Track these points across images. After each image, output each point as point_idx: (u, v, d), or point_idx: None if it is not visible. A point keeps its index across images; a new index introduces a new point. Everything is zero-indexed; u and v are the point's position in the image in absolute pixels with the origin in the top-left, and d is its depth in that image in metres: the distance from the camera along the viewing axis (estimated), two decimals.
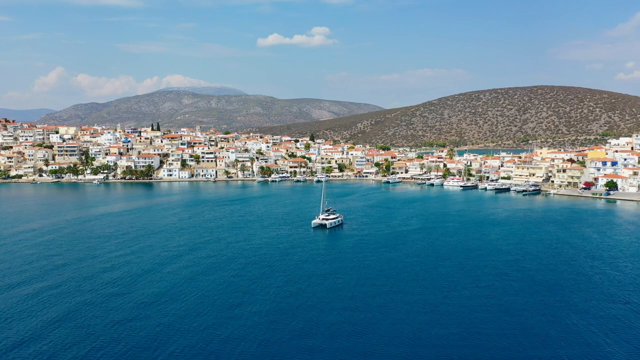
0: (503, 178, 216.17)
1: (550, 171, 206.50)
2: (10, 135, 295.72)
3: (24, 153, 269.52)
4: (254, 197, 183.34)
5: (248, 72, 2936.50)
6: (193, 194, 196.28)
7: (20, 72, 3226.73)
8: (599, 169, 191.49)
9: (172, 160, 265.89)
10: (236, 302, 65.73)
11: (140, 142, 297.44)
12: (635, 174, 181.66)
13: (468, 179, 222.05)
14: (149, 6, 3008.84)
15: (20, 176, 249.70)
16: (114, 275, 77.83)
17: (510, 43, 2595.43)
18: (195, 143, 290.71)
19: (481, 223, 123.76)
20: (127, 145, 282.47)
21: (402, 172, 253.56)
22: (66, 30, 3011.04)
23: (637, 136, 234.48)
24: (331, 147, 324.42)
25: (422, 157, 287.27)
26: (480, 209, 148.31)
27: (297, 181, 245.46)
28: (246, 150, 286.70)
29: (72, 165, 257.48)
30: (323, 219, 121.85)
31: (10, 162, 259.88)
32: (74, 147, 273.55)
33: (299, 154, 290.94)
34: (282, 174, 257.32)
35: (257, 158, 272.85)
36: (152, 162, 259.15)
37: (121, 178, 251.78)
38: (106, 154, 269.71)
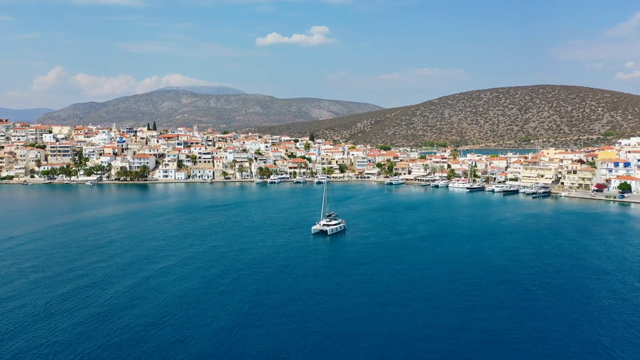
0: (510, 179, 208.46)
1: (560, 172, 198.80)
2: (2, 135, 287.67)
3: (15, 153, 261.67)
4: (252, 200, 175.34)
5: (247, 71, 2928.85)
6: (188, 196, 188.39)
7: (19, 72, 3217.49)
8: (610, 170, 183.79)
9: (168, 161, 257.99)
10: (227, 326, 57.88)
11: (136, 142, 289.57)
12: None
13: (474, 181, 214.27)
14: (148, 5, 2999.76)
15: (11, 177, 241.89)
16: (90, 293, 69.93)
17: (510, 43, 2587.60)
18: (192, 143, 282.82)
19: (493, 230, 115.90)
20: (122, 146, 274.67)
21: (404, 173, 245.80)
22: (65, 30, 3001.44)
23: None
24: (331, 147, 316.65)
25: (424, 158, 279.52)
26: (490, 213, 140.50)
27: (297, 182, 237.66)
28: (244, 151, 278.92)
29: (64, 166, 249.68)
30: (324, 224, 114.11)
31: (1, 162, 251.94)
32: (67, 147, 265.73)
33: (298, 154, 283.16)
34: (282, 175, 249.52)
35: (255, 158, 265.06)
36: (147, 162, 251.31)
37: (115, 179, 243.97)
38: (100, 155, 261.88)
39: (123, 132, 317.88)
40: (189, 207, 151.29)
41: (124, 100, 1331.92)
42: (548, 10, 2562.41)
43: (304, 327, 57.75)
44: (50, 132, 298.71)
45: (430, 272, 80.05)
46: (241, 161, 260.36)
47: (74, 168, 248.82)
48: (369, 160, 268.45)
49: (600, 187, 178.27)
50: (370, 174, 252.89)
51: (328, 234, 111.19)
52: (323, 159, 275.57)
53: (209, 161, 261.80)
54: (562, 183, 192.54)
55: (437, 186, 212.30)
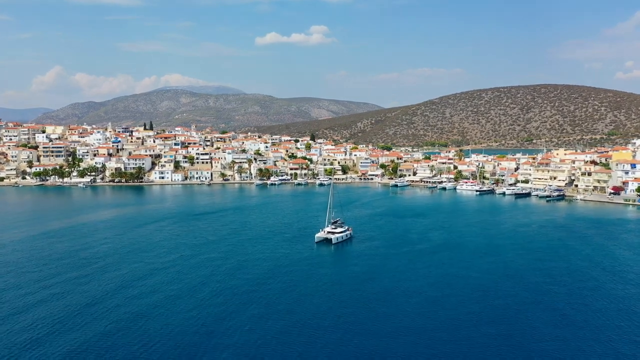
0: (520, 181, 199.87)
1: (574, 174, 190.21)
2: None
3: (6, 154, 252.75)
4: (250, 205, 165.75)
5: (246, 71, 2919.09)
6: (184, 200, 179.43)
7: (17, 71, 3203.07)
8: (627, 172, 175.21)
9: (165, 162, 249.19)
10: None
11: (132, 142, 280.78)
12: None
13: (483, 183, 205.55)
14: (147, 5, 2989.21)
15: (2, 179, 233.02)
16: (61, 315, 61.21)
17: (509, 42, 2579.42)
18: (189, 143, 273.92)
19: (512, 238, 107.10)
20: (117, 146, 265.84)
21: (409, 175, 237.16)
22: (64, 29, 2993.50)
23: None
24: (333, 147, 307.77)
25: (429, 158, 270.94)
26: (505, 219, 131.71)
27: (298, 184, 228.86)
28: (244, 151, 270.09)
29: (57, 167, 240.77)
30: (329, 232, 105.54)
31: None
32: (60, 147, 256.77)
33: (299, 154, 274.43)
34: (282, 176, 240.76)
35: (255, 159, 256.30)
36: (142, 163, 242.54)
37: (110, 181, 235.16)
38: (94, 155, 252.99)
39: (119, 131, 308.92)
40: (183, 213, 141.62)
41: (122, 100, 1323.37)
42: (547, 9, 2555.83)
43: None
44: (44, 132, 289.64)
45: (449, 290, 71.34)
46: (240, 162, 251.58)
47: (67, 169, 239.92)
48: (372, 161, 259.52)
49: (617, 190, 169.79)
50: (373, 175, 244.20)
51: (333, 242, 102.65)
52: (324, 159, 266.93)
53: (206, 162, 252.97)
54: (576, 185, 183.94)
55: (444, 188, 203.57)
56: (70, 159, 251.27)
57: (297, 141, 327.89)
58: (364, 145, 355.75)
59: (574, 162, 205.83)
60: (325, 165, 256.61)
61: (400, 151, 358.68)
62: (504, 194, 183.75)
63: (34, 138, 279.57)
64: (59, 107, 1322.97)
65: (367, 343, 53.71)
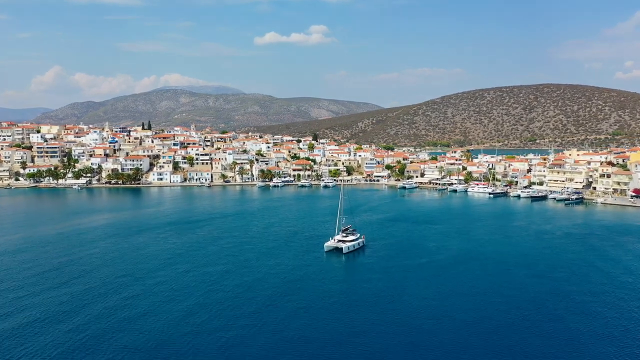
0: (534, 183, 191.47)
1: (591, 176, 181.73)
2: None
3: None
4: (253, 209, 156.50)
5: (246, 71, 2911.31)
6: (183, 203, 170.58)
7: (17, 71, 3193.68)
8: None
9: (163, 163, 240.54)
10: None
11: (129, 142, 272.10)
12: None
13: (494, 185, 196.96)
14: (147, 5, 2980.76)
15: None
16: (30, 331, 52.81)
17: (509, 42, 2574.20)
18: (189, 143, 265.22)
19: (542, 248, 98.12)
20: (114, 146, 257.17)
21: (417, 176, 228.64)
22: (64, 29, 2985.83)
23: None
24: (337, 147, 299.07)
25: (436, 159, 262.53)
26: (526, 225, 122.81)
27: (302, 186, 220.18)
28: (245, 152, 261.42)
29: (52, 168, 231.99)
30: (339, 240, 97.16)
31: None
32: (55, 147, 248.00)
33: (302, 155, 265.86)
34: (285, 177, 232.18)
35: (256, 160, 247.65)
36: (140, 164, 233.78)
37: (106, 182, 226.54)
38: (90, 156, 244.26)
39: (116, 131, 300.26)
40: (181, 220, 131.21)
41: (122, 100, 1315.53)
42: (548, 10, 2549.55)
43: None
44: (39, 131, 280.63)
45: (484, 312, 62.74)
46: (242, 163, 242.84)
47: (61, 170, 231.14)
48: (378, 162, 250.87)
49: (638, 193, 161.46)
50: (379, 176, 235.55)
51: (344, 252, 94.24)
52: (328, 160, 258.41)
53: (207, 163, 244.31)
54: (594, 188, 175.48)
55: (455, 191, 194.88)
56: (65, 159, 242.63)
57: (299, 141, 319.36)
58: (368, 146, 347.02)
59: (589, 163, 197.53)
60: (329, 166, 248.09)
61: (403, 151, 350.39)
62: (518, 196, 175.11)
63: (29, 138, 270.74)
64: (58, 107, 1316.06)
65: None
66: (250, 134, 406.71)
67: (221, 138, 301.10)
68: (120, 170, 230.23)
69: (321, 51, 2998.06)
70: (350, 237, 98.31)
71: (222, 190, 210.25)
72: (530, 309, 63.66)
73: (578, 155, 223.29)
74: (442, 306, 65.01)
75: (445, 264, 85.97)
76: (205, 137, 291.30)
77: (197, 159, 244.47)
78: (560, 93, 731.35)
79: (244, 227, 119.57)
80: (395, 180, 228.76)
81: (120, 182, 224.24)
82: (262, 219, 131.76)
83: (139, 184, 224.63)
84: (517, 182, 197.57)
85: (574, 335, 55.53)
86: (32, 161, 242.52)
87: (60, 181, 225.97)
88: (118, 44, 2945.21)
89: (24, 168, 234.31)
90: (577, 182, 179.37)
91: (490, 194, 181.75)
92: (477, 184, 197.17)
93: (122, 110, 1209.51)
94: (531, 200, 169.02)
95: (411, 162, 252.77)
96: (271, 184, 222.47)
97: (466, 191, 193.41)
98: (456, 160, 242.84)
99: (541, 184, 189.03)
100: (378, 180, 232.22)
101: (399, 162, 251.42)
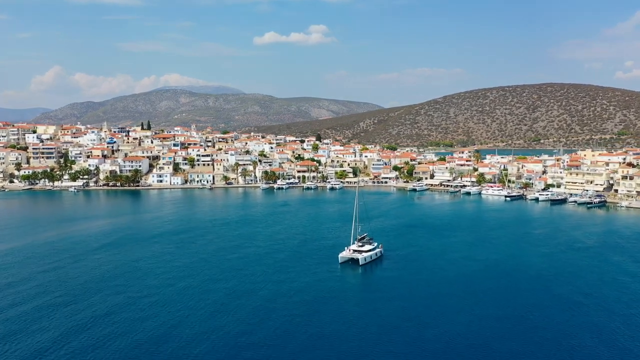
0: (550, 185, 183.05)
1: (611, 178, 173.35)
2: None
3: None
4: (258, 216, 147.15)
5: (246, 71, 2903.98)
6: (184, 207, 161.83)
7: (16, 71, 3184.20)
8: None
9: (163, 164, 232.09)
10: None
11: (128, 142, 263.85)
12: None
13: (509, 187, 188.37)
14: (147, 5, 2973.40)
15: None
16: None
17: (509, 43, 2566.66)
18: (189, 144, 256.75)
19: (578, 259, 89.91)
20: (112, 147, 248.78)
21: (426, 178, 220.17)
22: (63, 29, 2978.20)
23: None
24: (342, 148, 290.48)
25: (444, 160, 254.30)
26: (553, 232, 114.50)
27: (308, 188, 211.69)
28: (247, 152, 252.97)
29: (48, 169, 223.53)
30: (355, 251, 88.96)
31: None
32: (52, 148, 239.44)
33: (306, 156, 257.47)
34: (289, 179, 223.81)
35: (259, 161, 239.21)
36: (139, 166, 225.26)
37: (104, 184, 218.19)
38: (88, 157, 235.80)
39: (114, 131, 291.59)
40: (181, 227, 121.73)
41: (121, 100, 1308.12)
42: (548, 10, 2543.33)
43: None
44: (34, 132, 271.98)
45: (533, 341, 54.42)
46: (244, 164, 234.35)
47: (57, 172, 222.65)
48: (385, 163, 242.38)
49: None
50: (387, 178, 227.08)
51: (360, 263, 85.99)
52: (333, 161, 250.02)
53: (208, 164, 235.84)
54: (616, 190, 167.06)
55: (468, 193, 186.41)
56: (62, 160, 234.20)
57: (302, 141, 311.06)
58: (373, 146, 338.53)
59: (607, 164, 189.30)
60: (334, 167, 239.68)
61: (409, 151, 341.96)
62: (537, 199, 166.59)
63: (24, 138, 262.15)
64: (58, 107, 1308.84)
65: None
66: (252, 134, 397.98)
67: (223, 138, 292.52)
68: (118, 172, 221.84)
69: (321, 51, 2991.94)
70: (367, 247, 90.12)
71: (224, 192, 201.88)
72: (592, 336, 55.31)
73: (593, 155, 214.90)
74: (480, 334, 56.56)
75: (474, 278, 77.62)
76: (206, 138, 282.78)
77: (198, 160, 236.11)
78: (564, 92, 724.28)
79: (248, 236, 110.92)
80: (404, 182, 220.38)
81: (118, 184, 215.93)
82: (268, 226, 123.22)
83: (137, 186, 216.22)
84: (532, 184, 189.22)
85: None
86: (28, 162, 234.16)
87: (56, 183, 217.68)
88: (118, 44, 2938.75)
89: (18, 170, 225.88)
90: (597, 185, 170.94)
91: (506, 197, 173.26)
92: (491, 186, 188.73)
93: (121, 111, 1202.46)
94: (550, 203, 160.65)
95: (419, 163, 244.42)
96: (275, 186, 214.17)
97: (480, 194, 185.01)
98: (466, 160, 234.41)
99: (558, 186, 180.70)
100: (386, 182, 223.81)
101: (406, 163, 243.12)
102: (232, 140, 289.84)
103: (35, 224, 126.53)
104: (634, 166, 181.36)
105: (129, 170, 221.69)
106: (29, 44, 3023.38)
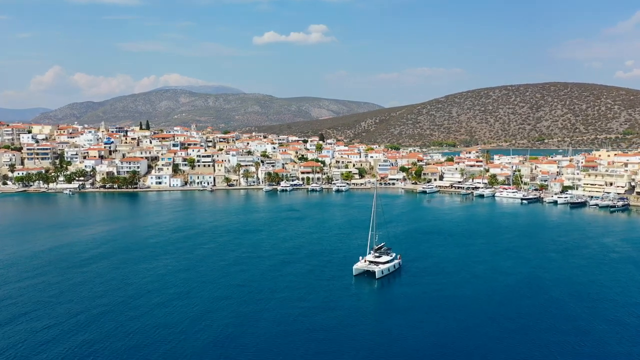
0: (569, 187, 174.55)
1: (633, 179, 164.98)
2: None
3: None
4: (261, 221, 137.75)
5: (246, 70, 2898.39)
6: (183, 211, 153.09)
7: (16, 71, 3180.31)
8: None
9: (162, 165, 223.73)
10: None
11: (126, 143, 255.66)
12: None
13: (524, 189, 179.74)
14: (147, 5, 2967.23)
15: None
16: None
17: (509, 42, 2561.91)
18: (189, 144, 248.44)
19: (614, 273, 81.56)
20: (110, 147, 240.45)
21: (435, 179, 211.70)
22: (63, 29, 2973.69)
23: None
24: (346, 148, 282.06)
25: (452, 160, 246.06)
26: (581, 238, 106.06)
27: (312, 190, 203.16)
28: (249, 153, 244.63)
29: (43, 171, 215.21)
30: (371, 262, 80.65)
31: None
32: (47, 149, 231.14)
33: (309, 156, 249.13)
34: (293, 180, 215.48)
35: (262, 162, 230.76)
36: (137, 167, 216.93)
37: (100, 186, 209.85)
38: (84, 157, 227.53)
39: (112, 131, 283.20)
40: (180, 236, 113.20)
41: (121, 100, 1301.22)
42: (548, 10, 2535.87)
43: None
44: (30, 132, 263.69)
45: None
46: (246, 165, 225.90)
47: (53, 173, 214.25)
48: (392, 164, 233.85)
49: None
50: (394, 179, 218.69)
51: (377, 277, 77.67)
52: (337, 161, 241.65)
53: (209, 165, 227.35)
54: (638, 193, 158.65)
55: (481, 196, 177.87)
56: (57, 161, 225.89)
57: (305, 141, 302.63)
58: (377, 146, 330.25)
59: (626, 165, 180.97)
60: (340, 168, 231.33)
61: (415, 151, 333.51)
62: (555, 203, 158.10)
63: (19, 139, 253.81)
64: (57, 107, 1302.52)
65: None
66: (253, 134, 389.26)
67: (223, 138, 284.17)
68: (115, 173, 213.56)
69: (321, 51, 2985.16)
70: (385, 258, 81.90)
71: (225, 195, 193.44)
72: None
73: (609, 156, 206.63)
74: None
75: (507, 297, 69.06)
76: (206, 138, 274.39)
77: (198, 161, 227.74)
78: (567, 92, 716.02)
79: (252, 245, 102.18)
80: (412, 183, 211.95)
81: (115, 186, 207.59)
82: (273, 234, 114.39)
83: (135, 188, 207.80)
84: (548, 185, 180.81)
85: None
86: (22, 163, 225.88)
87: (51, 185, 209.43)
88: (118, 44, 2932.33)
89: (12, 171, 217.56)
90: (618, 187, 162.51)
91: (522, 199, 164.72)
92: (505, 189, 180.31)
93: (121, 111, 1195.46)
94: (570, 207, 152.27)
95: (427, 164, 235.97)
96: (279, 187, 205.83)
97: (494, 196, 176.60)
98: (476, 161, 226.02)
99: (575, 188, 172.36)
100: (393, 184, 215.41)
101: (414, 163, 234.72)
102: (233, 140, 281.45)
103: (23, 231, 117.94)
104: None
105: (127, 172, 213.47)
106: (29, 44, 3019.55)
